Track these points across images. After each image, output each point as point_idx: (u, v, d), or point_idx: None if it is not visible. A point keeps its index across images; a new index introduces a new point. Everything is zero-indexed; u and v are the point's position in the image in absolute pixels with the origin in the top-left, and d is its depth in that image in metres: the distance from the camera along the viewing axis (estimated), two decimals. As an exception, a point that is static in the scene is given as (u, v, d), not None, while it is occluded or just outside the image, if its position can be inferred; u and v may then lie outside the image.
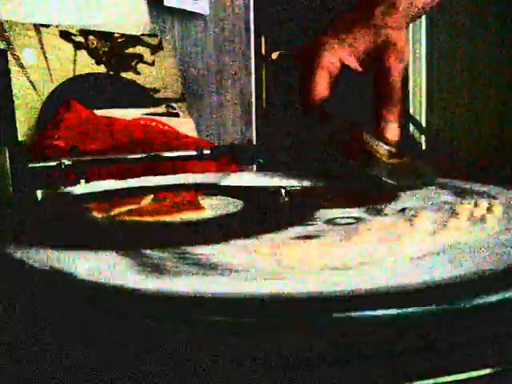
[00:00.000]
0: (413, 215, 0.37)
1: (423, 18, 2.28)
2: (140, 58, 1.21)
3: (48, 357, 0.22)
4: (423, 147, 1.96)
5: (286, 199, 0.47)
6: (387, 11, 0.51)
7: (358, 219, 0.37)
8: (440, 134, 2.16)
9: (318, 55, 0.51)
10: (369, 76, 0.52)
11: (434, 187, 0.49)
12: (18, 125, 0.97)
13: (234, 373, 0.21)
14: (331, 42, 0.51)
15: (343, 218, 0.37)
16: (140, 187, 0.53)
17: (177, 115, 1.21)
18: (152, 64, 1.23)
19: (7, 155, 0.59)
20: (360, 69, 0.52)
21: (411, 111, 2.36)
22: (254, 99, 1.80)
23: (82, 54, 1.11)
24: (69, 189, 0.56)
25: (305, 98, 0.51)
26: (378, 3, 0.51)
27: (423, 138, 1.98)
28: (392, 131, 0.50)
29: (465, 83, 2.20)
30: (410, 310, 0.22)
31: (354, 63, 0.52)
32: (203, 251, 0.29)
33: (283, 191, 0.48)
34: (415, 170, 0.51)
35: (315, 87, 0.50)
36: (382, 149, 0.49)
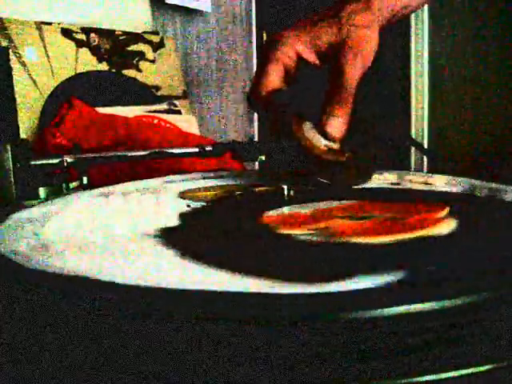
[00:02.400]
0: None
1: (426, 18, 2.27)
2: (142, 55, 1.21)
3: (48, 357, 0.21)
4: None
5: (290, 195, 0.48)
6: (358, 10, 0.50)
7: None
8: (441, 155, 2.16)
9: (275, 48, 0.50)
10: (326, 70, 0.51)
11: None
12: (19, 122, 0.97)
13: (234, 373, 0.21)
14: (290, 36, 0.51)
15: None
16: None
17: (179, 112, 1.21)
18: (154, 61, 1.23)
19: (9, 153, 0.59)
20: (318, 63, 0.51)
21: (411, 110, 2.35)
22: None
23: (84, 52, 1.11)
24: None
25: (254, 88, 0.51)
26: (349, 1, 0.51)
27: (425, 159, 1.96)
28: (334, 126, 0.48)
29: (467, 85, 2.20)
30: (409, 306, 0.22)
31: (312, 57, 0.51)
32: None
33: (286, 188, 0.49)
34: (354, 168, 0.49)
35: (266, 79, 0.50)
36: (320, 143, 0.48)
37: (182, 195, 0.49)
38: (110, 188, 0.55)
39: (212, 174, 0.62)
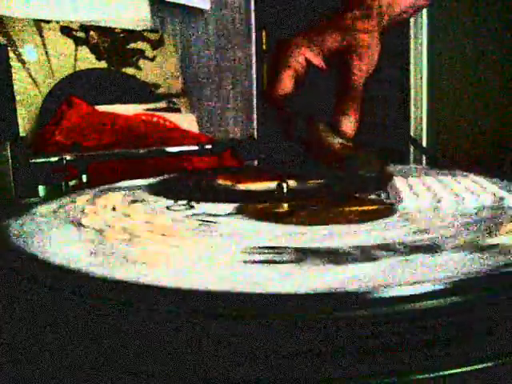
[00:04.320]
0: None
1: (424, 18, 2.27)
2: (141, 53, 1.21)
3: (48, 357, 0.21)
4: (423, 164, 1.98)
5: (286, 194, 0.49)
6: (359, 16, 0.55)
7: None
8: (440, 154, 2.16)
9: (286, 54, 0.55)
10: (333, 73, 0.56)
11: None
12: (19, 121, 0.97)
13: (234, 372, 0.21)
14: (299, 42, 0.55)
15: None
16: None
17: (178, 110, 1.21)
18: (153, 59, 1.23)
19: (8, 151, 0.59)
20: (325, 67, 0.56)
21: (410, 109, 2.35)
22: (255, 94, 1.79)
23: (83, 50, 1.11)
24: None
25: (269, 93, 0.55)
26: (351, 9, 0.55)
27: (424, 158, 1.97)
28: (347, 124, 0.53)
29: (466, 85, 2.20)
30: (410, 303, 0.22)
31: (319, 62, 0.56)
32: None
33: (284, 186, 0.49)
34: (366, 162, 0.53)
35: (279, 84, 0.54)
36: (335, 140, 0.52)
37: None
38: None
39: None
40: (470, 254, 0.28)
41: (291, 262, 0.27)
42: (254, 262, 0.28)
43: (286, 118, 0.55)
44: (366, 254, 0.28)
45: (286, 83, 0.54)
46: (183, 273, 0.26)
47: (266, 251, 0.29)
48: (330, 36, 0.54)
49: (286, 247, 0.30)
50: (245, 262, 0.28)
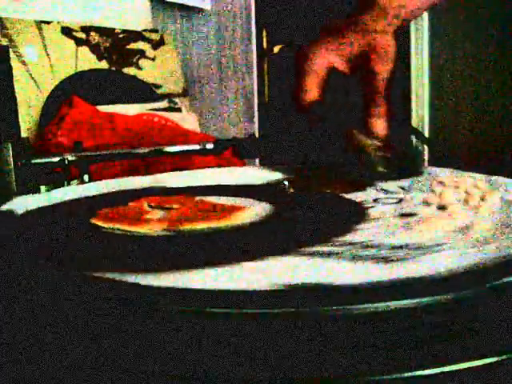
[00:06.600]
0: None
1: (425, 19, 2.27)
2: (142, 53, 1.21)
3: (48, 357, 0.22)
4: (425, 157, 1.98)
5: (291, 190, 0.49)
6: (376, 17, 0.54)
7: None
8: (442, 144, 2.16)
9: (308, 61, 0.55)
10: (356, 77, 0.56)
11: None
12: (20, 121, 0.97)
13: (234, 372, 0.21)
14: (321, 48, 0.55)
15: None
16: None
17: (179, 110, 1.21)
18: (154, 59, 1.23)
19: (10, 151, 0.59)
20: (347, 71, 0.56)
21: (412, 109, 2.35)
22: (256, 93, 1.79)
23: (84, 50, 1.11)
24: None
25: (296, 101, 0.55)
26: (367, 10, 0.55)
27: (426, 148, 1.98)
28: (379, 126, 0.54)
29: (467, 84, 2.19)
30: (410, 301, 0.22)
31: (342, 66, 0.56)
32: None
33: (286, 183, 0.50)
34: (400, 161, 0.54)
35: (305, 92, 0.55)
36: (371, 143, 0.53)
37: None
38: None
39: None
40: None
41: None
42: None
43: (318, 122, 0.55)
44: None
45: (312, 90, 0.54)
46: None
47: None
48: (349, 39, 0.55)
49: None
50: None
